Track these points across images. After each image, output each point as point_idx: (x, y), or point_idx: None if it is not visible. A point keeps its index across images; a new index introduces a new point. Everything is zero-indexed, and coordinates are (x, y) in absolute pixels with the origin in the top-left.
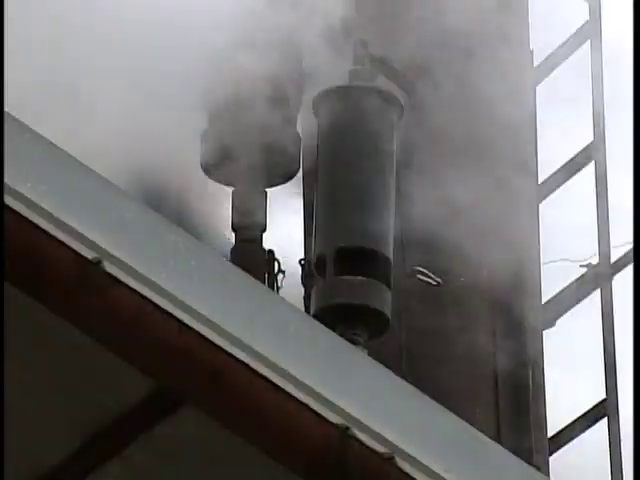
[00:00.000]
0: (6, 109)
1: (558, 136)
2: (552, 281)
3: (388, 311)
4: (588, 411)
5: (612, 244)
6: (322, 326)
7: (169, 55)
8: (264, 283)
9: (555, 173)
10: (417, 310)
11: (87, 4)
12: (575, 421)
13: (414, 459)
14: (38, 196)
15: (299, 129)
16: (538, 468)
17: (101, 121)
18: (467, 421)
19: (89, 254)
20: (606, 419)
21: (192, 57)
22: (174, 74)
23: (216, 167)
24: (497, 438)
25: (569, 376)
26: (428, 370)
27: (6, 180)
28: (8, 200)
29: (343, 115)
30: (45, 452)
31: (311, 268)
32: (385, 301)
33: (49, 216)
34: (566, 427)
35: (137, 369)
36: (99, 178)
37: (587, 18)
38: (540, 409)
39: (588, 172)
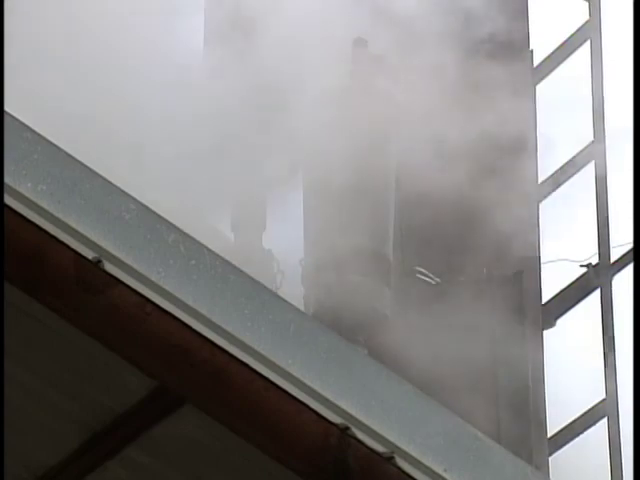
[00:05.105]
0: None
1: (558, 135)
2: (552, 281)
3: (388, 311)
4: (588, 411)
5: (612, 244)
6: (322, 326)
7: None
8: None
9: (555, 172)
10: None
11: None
12: (575, 421)
13: (414, 459)
14: (38, 196)
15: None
16: (538, 468)
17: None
18: (467, 421)
19: (89, 254)
20: (606, 419)
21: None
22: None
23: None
24: (497, 438)
25: (569, 376)
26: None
27: (6, 180)
28: (8, 200)
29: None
30: (45, 452)
31: (311, 268)
32: (385, 301)
33: (49, 216)
34: (566, 427)
35: (137, 369)
36: (99, 178)
37: (587, 18)
38: (540, 409)
39: (588, 172)
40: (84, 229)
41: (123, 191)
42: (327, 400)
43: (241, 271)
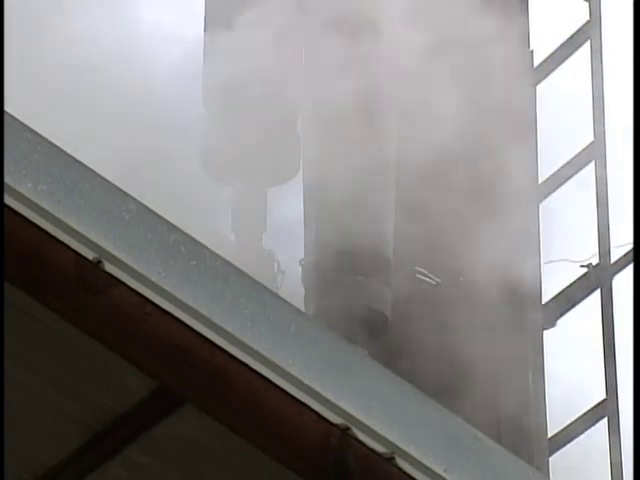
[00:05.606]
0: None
1: (558, 134)
2: (552, 281)
3: (388, 311)
4: (588, 411)
5: (612, 244)
6: (322, 326)
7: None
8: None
9: (555, 173)
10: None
11: None
12: (575, 421)
13: (414, 459)
14: (38, 196)
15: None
16: (538, 468)
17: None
18: (467, 421)
19: (89, 254)
20: (606, 419)
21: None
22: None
23: (217, 167)
24: (497, 438)
25: (569, 376)
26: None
27: (6, 180)
28: (8, 200)
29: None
30: (45, 452)
31: (311, 268)
32: (385, 301)
33: (49, 216)
34: (566, 427)
35: (137, 369)
36: (99, 178)
37: (587, 18)
38: (540, 409)
39: (588, 172)
40: (84, 229)
41: (123, 191)
42: (327, 400)
43: (241, 271)
